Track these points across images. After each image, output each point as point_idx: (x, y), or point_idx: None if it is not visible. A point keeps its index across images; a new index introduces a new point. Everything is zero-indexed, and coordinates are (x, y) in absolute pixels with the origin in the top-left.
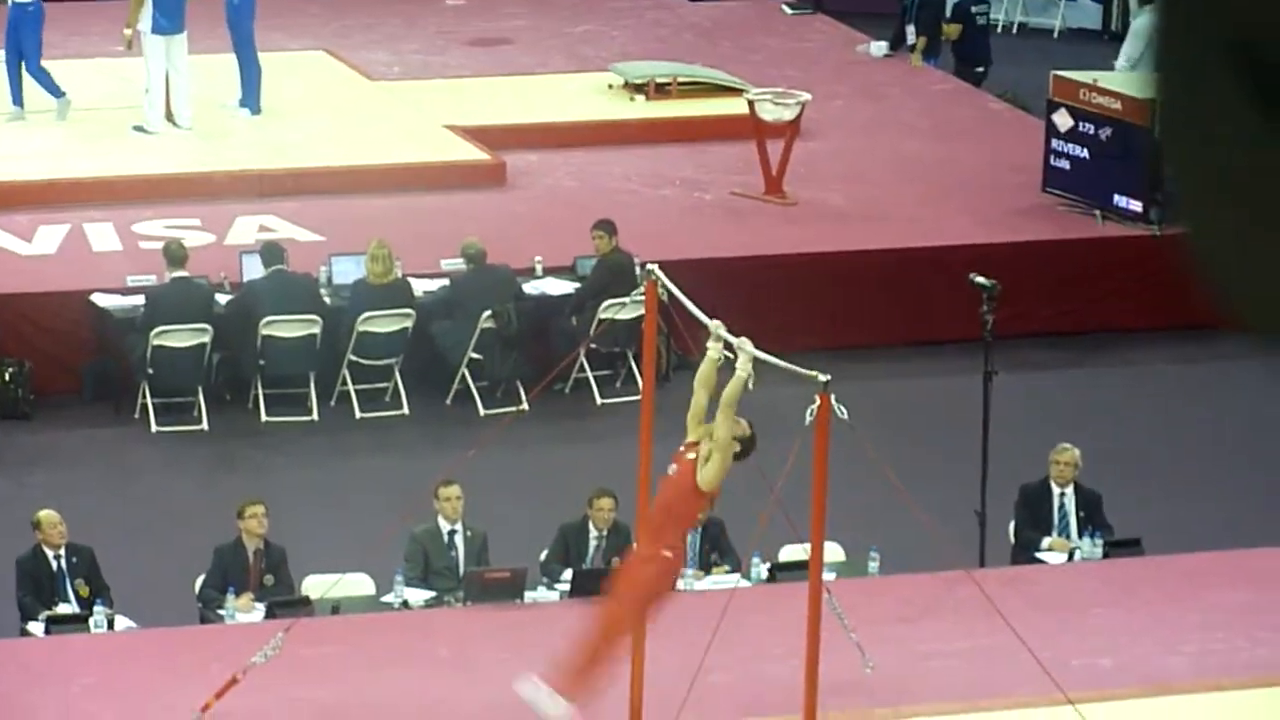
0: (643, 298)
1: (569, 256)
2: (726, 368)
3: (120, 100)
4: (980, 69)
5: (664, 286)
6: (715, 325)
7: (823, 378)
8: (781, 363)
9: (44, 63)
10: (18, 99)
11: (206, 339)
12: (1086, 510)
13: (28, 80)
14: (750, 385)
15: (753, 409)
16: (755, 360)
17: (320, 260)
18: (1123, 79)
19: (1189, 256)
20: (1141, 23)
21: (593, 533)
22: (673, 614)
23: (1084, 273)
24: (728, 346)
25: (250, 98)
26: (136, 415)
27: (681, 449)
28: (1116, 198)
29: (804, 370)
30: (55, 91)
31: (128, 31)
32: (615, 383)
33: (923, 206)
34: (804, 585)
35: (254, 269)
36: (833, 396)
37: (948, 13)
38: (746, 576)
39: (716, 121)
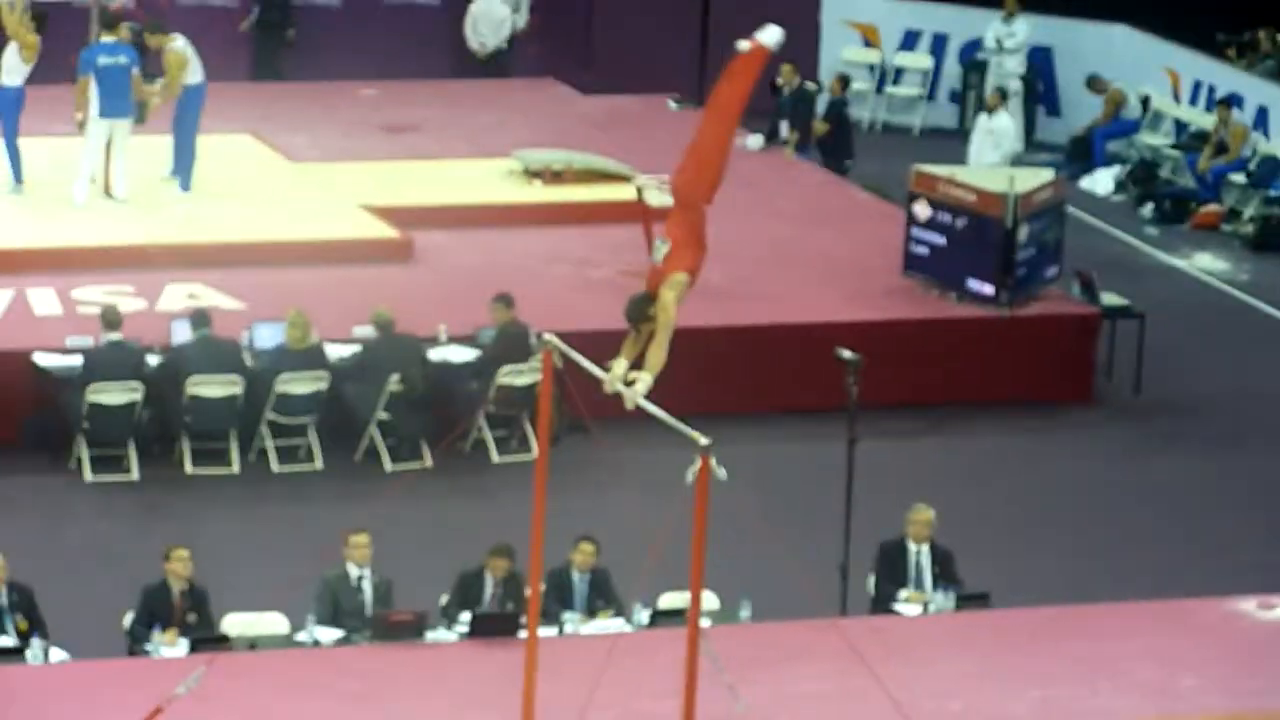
0: (539, 365)
1: (471, 326)
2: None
3: (63, 176)
4: (847, 162)
5: (560, 354)
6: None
7: (704, 441)
8: (669, 418)
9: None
10: None
11: (138, 396)
12: (940, 566)
13: None
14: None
15: (638, 469)
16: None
17: (243, 326)
18: (976, 174)
19: None
20: (992, 124)
21: (489, 581)
22: (561, 656)
23: (939, 349)
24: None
25: (183, 174)
26: (72, 466)
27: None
28: (970, 281)
29: (688, 430)
30: (17, 175)
31: (79, 115)
32: (511, 443)
33: (794, 286)
34: (683, 630)
35: (183, 333)
36: (712, 458)
37: (819, 111)
38: (630, 622)
39: (606, 206)
